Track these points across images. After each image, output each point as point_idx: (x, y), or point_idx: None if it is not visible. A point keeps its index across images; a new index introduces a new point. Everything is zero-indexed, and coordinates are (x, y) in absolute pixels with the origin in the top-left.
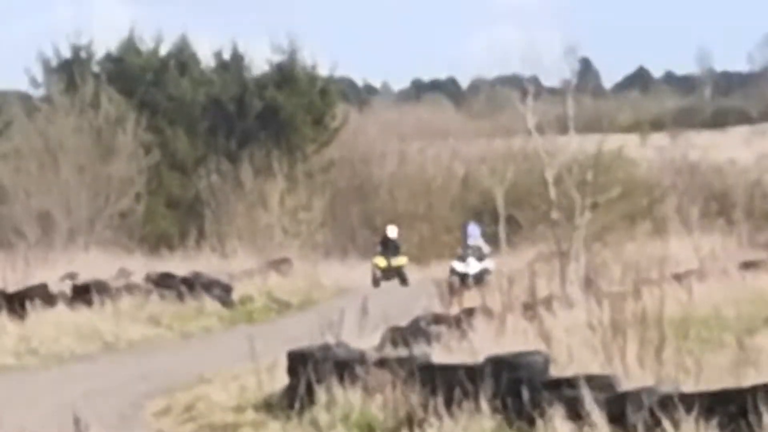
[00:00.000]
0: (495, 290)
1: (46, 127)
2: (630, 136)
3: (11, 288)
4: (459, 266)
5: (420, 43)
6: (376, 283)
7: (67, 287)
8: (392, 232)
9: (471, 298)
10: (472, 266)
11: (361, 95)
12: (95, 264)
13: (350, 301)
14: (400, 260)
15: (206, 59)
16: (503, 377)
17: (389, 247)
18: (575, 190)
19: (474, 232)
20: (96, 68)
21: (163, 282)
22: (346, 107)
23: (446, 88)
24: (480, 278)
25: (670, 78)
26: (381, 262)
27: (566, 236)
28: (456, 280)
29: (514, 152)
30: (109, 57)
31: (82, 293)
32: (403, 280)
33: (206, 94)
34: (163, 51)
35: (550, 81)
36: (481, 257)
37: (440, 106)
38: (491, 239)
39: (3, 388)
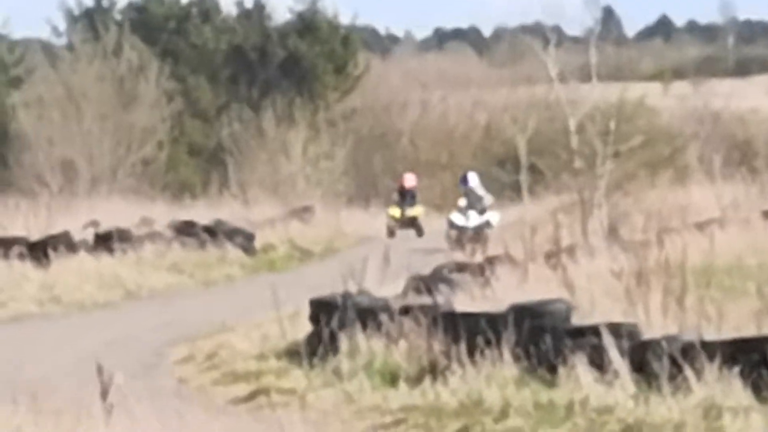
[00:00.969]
0: (518, 239)
1: (68, 75)
2: (652, 84)
3: (34, 236)
4: (458, 219)
5: None
6: (390, 233)
7: (89, 235)
8: (409, 181)
9: (493, 246)
10: (471, 219)
11: (383, 44)
12: (117, 212)
13: (373, 249)
14: (415, 210)
15: (228, 8)
16: (526, 325)
17: (405, 197)
18: (597, 139)
19: (474, 182)
20: (118, 17)
21: (185, 230)
22: (368, 56)
23: (468, 37)
24: (480, 232)
25: (692, 27)
26: (395, 212)
27: (588, 185)
28: (454, 233)
29: (536, 101)
30: (131, 5)
31: (104, 241)
32: (419, 231)
33: (228, 42)
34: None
35: (572, 30)
36: (482, 210)
37: (462, 54)
38: (513, 187)
39: (25, 335)
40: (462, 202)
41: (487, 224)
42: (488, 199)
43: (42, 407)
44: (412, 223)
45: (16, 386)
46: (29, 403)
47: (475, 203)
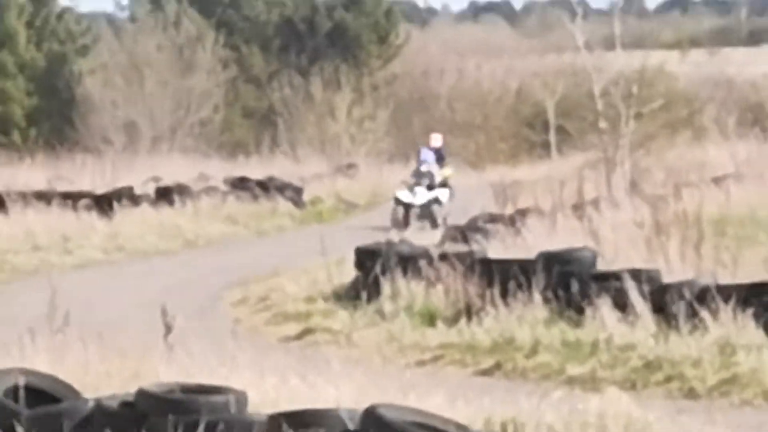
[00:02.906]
0: (546, 192)
1: (131, 45)
2: (671, 53)
3: (100, 190)
4: (404, 196)
5: None
6: (395, 222)
7: (150, 189)
8: (436, 141)
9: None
10: (419, 196)
11: (422, 16)
12: (177, 169)
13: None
14: (445, 172)
15: None
16: (554, 271)
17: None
18: (621, 102)
19: (428, 158)
20: None
21: (240, 185)
22: (408, 27)
23: (501, 10)
24: (427, 209)
25: (707, 0)
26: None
27: (612, 144)
28: (400, 210)
29: (564, 68)
30: None
31: (164, 195)
32: (450, 193)
33: (279, 14)
34: None
35: (597, 2)
36: (431, 186)
37: (495, 25)
38: (542, 145)
39: (93, 280)
40: (411, 177)
41: (436, 201)
42: (438, 176)
43: (108, 346)
44: (443, 184)
45: (84, 327)
46: (97, 341)
47: (423, 179)
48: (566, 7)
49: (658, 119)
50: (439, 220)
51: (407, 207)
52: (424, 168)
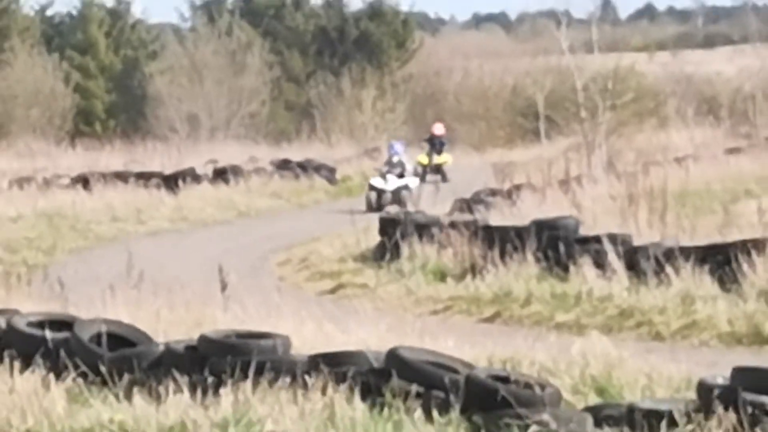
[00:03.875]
0: (537, 171)
1: (192, 50)
2: (640, 54)
3: (167, 170)
4: (377, 182)
5: None
6: (369, 207)
7: (209, 170)
8: (438, 129)
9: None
10: (390, 183)
11: (433, 25)
12: (231, 153)
13: (427, 180)
14: (442, 158)
15: None
16: (544, 235)
17: (435, 144)
18: (598, 96)
19: (398, 150)
20: (230, 5)
21: (283, 165)
22: (422, 34)
23: (499, 20)
24: (398, 194)
25: (671, 10)
26: (423, 159)
27: (591, 130)
28: (373, 195)
29: (551, 68)
30: None
31: (221, 174)
32: (443, 177)
33: (315, 24)
34: None
35: (578, 13)
36: (401, 174)
37: (494, 33)
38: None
39: (162, 245)
40: (383, 167)
41: (406, 187)
42: (410, 166)
43: (175, 299)
44: (437, 169)
45: (155, 283)
46: (166, 295)
47: (395, 168)
48: (553, 17)
49: (629, 110)
50: (408, 205)
51: (380, 192)
52: (395, 159)
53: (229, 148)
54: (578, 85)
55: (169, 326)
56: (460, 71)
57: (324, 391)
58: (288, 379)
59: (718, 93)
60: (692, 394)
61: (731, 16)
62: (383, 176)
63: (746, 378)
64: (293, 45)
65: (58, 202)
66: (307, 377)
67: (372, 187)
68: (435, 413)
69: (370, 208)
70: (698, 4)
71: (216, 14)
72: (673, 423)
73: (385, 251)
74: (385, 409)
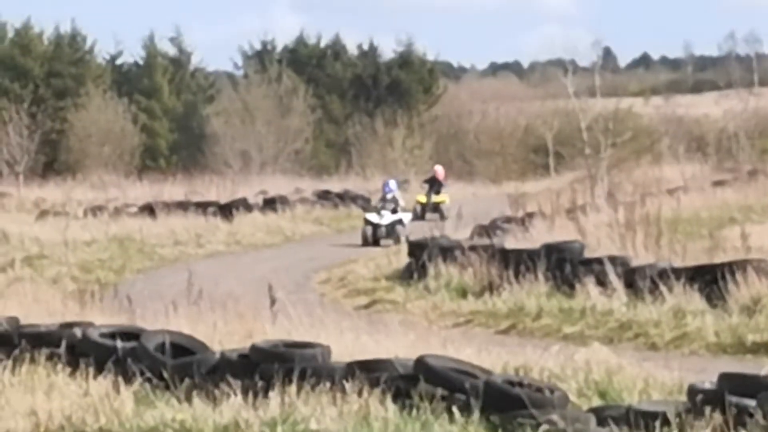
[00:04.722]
0: (547, 201)
1: (244, 94)
2: (637, 98)
3: (223, 200)
4: (372, 217)
5: (496, 35)
6: (416, 217)
7: (259, 200)
8: (440, 173)
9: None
10: (385, 218)
11: (455, 72)
12: (278, 185)
13: (450, 209)
14: (440, 198)
15: (352, 49)
16: (553, 257)
17: (434, 185)
18: (600, 134)
19: (392, 187)
20: (277, 56)
21: (324, 196)
22: (445, 81)
23: (513, 68)
24: (392, 229)
25: (664, 59)
26: (422, 198)
27: (594, 165)
28: (369, 229)
29: (559, 110)
30: (286, 48)
31: (269, 203)
32: (441, 215)
33: (352, 72)
34: (323, 44)
35: (583, 62)
36: (395, 210)
37: (509, 79)
38: (543, 166)
39: (218, 266)
40: (378, 203)
41: (400, 222)
42: (402, 202)
43: (230, 313)
44: (435, 208)
45: (212, 299)
46: (221, 309)
47: (389, 204)
48: (560, 65)
49: (627, 147)
50: (402, 238)
51: (375, 227)
52: (389, 195)
53: (277, 180)
54: (583, 125)
55: (224, 337)
56: (479, 113)
57: (360, 395)
58: (328, 384)
59: (705, 132)
60: (683, 397)
61: (717, 64)
62: (378, 212)
63: (731, 383)
64: (333, 90)
65: (127, 228)
66: (345, 382)
67: (368, 222)
68: (457, 414)
69: (366, 241)
70: (688, 54)
71: (266, 63)
72: (666, 422)
73: (413, 271)
74: (414, 411)
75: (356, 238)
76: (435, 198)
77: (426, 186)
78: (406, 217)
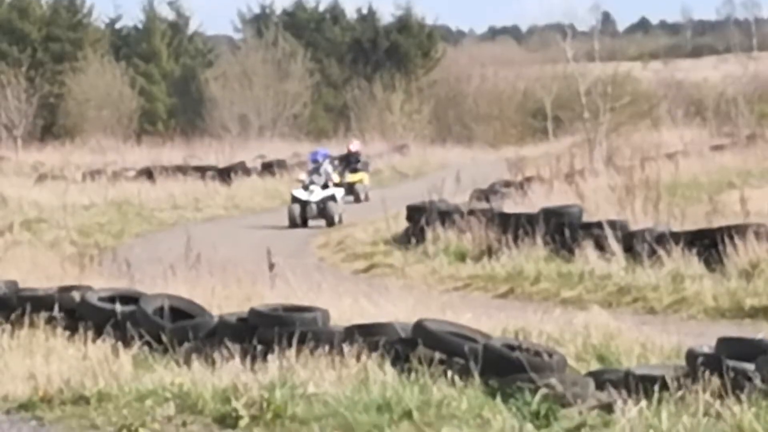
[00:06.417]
0: (546, 165)
1: (243, 59)
2: (635, 63)
3: (221, 164)
4: (300, 194)
5: (495, 1)
6: (292, 222)
7: (258, 164)
8: (354, 145)
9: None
10: (315, 194)
11: (454, 36)
12: (277, 149)
13: (448, 173)
14: (355, 176)
15: (351, 13)
16: (552, 222)
17: (349, 162)
18: (599, 99)
19: (321, 159)
20: (276, 20)
21: None
22: (444, 45)
23: (511, 32)
24: (323, 207)
25: (663, 24)
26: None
27: (593, 129)
28: (296, 208)
29: (557, 74)
30: (285, 12)
31: (268, 168)
32: (356, 198)
33: (351, 36)
34: (321, 8)
35: (582, 26)
36: (326, 185)
37: (507, 44)
38: (542, 131)
39: (217, 230)
40: (304, 176)
41: (332, 198)
42: (334, 176)
43: (228, 277)
44: (350, 189)
45: (211, 263)
46: (220, 273)
47: (318, 179)
48: (559, 30)
49: (626, 111)
50: (336, 218)
51: (304, 205)
52: (320, 169)
53: (275, 144)
54: (581, 89)
55: (223, 301)
56: (477, 77)
57: (358, 358)
58: (327, 348)
59: (704, 97)
60: (682, 361)
61: (716, 29)
62: (306, 187)
63: (729, 347)
64: (331, 54)
65: (126, 192)
66: (343, 346)
67: (295, 199)
68: (456, 378)
69: (294, 222)
70: (687, 18)
71: (264, 27)
72: (664, 386)
73: (412, 235)
74: (413, 374)
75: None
76: (349, 177)
77: (339, 164)
78: (339, 192)
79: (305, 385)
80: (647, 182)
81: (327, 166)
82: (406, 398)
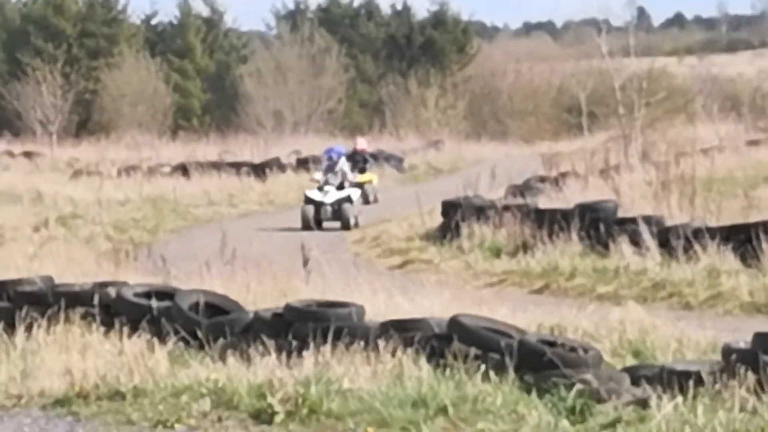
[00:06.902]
0: (581, 160)
1: (278, 54)
2: (671, 58)
3: (256, 160)
4: (314, 194)
5: None
6: (305, 225)
7: (293, 159)
8: (361, 143)
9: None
10: (329, 195)
11: (489, 32)
12: (312, 144)
13: (483, 168)
14: (364, 177)
15: (385, 9)
16: (587, 217)
17: (356, 161)
18: (634, 94)
19: (336, 157)
20: (311, 15)
21: None
22: (479, 40)
23: (546, 27)
24: (338, 208)
25: (698, 19)
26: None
27: (628, 125)
28: (309, 209)
29: (592, 70)
30: (319, 7)
31: (302, 163)
32: (366, 199)
33: (385, 32)
34: (356, 3)
35: (617, 22)
36: (342, 185)
37: (542, 39)
38: (577, 126)
39: (251, 225)
40: (319, 176)
41: (348, 200)
42: (351, 174)
43: (263, 272)
44: (359, 188)
45: (246, 258)
46: (255, 269)
47: (334, 178)
48: (594, 25)
49: (661, 107)
50: (352, 220)
51: (318, 206)
52: (335, 168)
53: (310, 140)
54: (616, 85)
55: (258, 296)
56: (512, 73)
57: (394, 354)
58: (362, 343)
59: (739, 92)
60: (717, 357)
61: (752, 23)
62: (321, 188)
63: (765, 342)
64: (366, 50)
65: (161, 188)
66: (379, 341)
67: (309, 200)
68: (491, 373)
69: (307, 224)
70: (722, 13)
71: (298, 23)
72: (700, 382)
73: (447, 231)
74: (448, 370)
75: (389, 197)
76: (358, 177)
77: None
78: (355, 193)
79: (340, 381)
80: (682, 177)
81: (344, 165)
82: (441, 394)
